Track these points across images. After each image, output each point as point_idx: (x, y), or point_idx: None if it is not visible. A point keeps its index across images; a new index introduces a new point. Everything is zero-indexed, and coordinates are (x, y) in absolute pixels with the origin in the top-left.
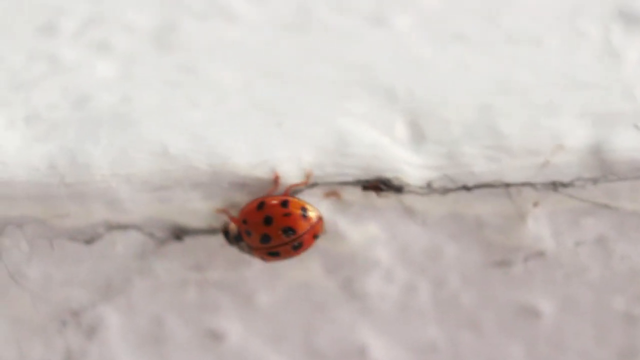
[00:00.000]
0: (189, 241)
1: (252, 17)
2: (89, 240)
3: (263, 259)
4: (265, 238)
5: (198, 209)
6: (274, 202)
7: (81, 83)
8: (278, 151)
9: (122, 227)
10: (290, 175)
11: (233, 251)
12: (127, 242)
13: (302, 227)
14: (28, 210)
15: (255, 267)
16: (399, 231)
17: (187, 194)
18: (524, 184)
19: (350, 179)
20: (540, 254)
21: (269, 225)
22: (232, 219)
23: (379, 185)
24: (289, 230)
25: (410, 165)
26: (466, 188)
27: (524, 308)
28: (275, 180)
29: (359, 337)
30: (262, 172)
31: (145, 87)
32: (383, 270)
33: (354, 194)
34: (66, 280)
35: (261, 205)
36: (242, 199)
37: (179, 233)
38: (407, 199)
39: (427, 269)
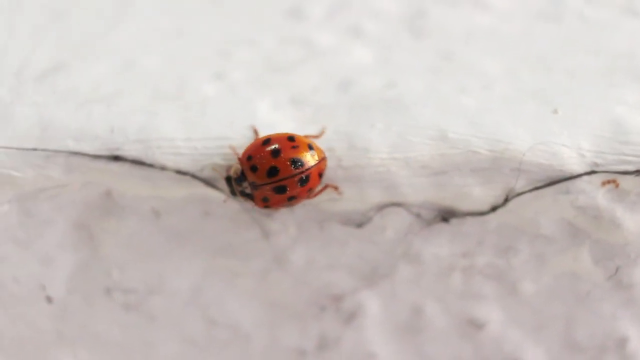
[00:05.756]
0: (457, 224)
1: (503, 5)
2: (359, 224)
3: (265, 200)
4: (273, 171)
5: (475, 194)
6: (281, 136)
7: (340, 67)
8: (556, 138)
9: (394, 206)
10: (572, 162)
11: (502, 237)
12: (397, 225)
13: (309, 160)
14: None
15: (523, 254)
16: None
17: (465, 179)
18: None
19: (629, 167)
20: None
21: (276, 157)
22: (237, 157)
23: None
24: (297, 161)
25: None
26: None
27: None
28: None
29: (620, 330)
30: (543, 159)
31: (407, 72)
32: None
33: (633, 182)
34: (330, 265)
35: (267, 141)
36: (521, 185)
37: (448, 215)
38: None
39: None
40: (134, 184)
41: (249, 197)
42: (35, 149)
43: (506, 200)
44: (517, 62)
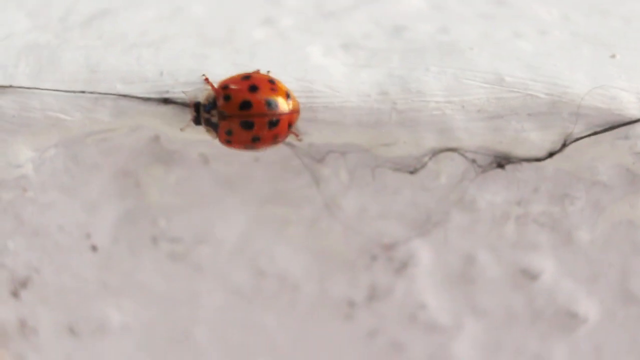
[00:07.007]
0: (512, 170)
1: None
2: (413, 171)
3: (229, 134)
4: (246, 104)
5: (532, 139)
6: (262, 77)
7: (391, 13)
8: (615, 82)
9: (448, 151)
10: (630, 106)
11: (558, 184)
12: (451, 171)
13: (284, 107)
14: (353, 138)
15: (579, 202)
16: None
17: (522, 124)
18: None
19: None
20: None
21: (252, 92)
22: (211, 85)
23: None
24: (272, 103)
25: None
26: None
27: None
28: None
29: None
30: (602, 103)
31: (460, 18)
32: None
33: None
34: (383, 213)
35: (247, 77)
36: (579, 130)
37: (503, 161)
38: None
39: None
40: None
41: (213, 127)
42: (83, 92)
43: (564, 145)
44: (571, 7)
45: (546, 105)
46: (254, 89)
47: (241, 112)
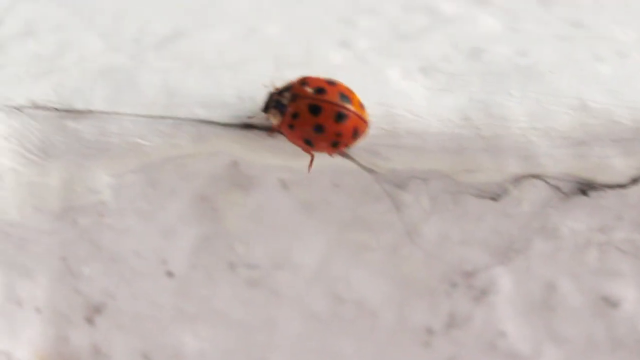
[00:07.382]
0: (596, 197)
1: None
2: (495, 197)
3: (294, 117)
4: (321, 90)
5: (615, 166)
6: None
7: (468, 36)
8: None
9: (531, 178)
10: None
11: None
12: (534, 198)
13: (357, 106)
14: (435, 164)
15: None
16: None
17: (605, 150)
18: None
19: None
20: None
21: (330, 84)
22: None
23: None
24: (346, 98)
25: None
26: None
27: None
28: None
29: None
30: None
31: (537, 40)
32: None
33: None
34: (464, 240)
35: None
36: None
37: (586, 188)
38: None
39: None
40: (264, 154)
41: (281, 109)
42: (163, 117)
43: None
44: None
45: (630, 131)
46: (332, 83)
47: (313, 95)
